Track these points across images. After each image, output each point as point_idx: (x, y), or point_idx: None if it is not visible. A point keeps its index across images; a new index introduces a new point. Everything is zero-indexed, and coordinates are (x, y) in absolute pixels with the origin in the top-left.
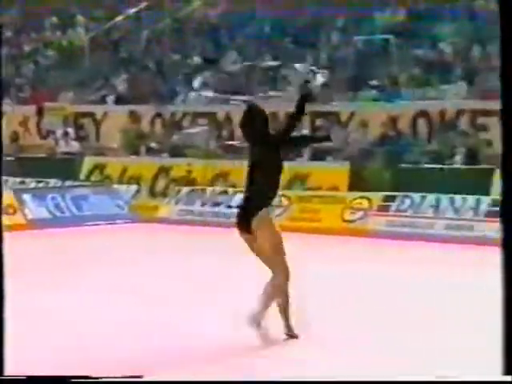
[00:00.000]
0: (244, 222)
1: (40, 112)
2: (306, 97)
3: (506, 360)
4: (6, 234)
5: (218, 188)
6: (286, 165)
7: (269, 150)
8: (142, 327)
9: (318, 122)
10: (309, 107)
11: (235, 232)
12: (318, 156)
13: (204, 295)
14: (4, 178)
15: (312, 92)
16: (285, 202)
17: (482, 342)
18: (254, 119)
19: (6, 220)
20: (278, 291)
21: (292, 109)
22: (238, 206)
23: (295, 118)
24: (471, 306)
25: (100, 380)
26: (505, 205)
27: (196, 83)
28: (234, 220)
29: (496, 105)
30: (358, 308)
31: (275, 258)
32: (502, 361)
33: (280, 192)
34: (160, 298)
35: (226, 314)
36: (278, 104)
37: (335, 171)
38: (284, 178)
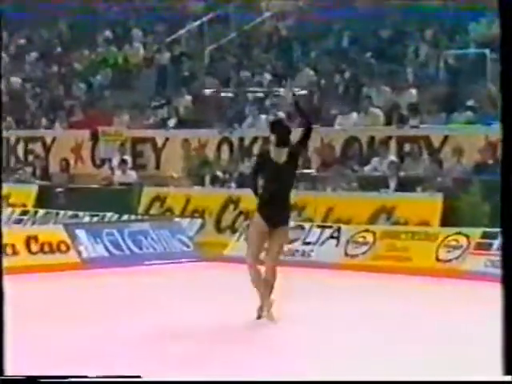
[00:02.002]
0: (285, 219)
1: (94, 137)
2: (297, 104)
3: (506, 360)
4: (58, 274)
5: (293, 222)
6: (370, 196)
7: (295, 157)
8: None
9: (407, 147)
10: (396, 131)
11: (314, 272)
12: (405, 186)
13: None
14: (54, 211)
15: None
16: (369, 238)
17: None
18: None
19: (58, 259)
20: None
21: (376, 132)
22: (276, 202)
23: (306, 129)
24: None
25: (99, 380)
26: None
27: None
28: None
29: None
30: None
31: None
32: (501, 361)
33: (363, 227)
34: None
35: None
36: (360, 127)
37: (426, 203)
38: (367, 212)
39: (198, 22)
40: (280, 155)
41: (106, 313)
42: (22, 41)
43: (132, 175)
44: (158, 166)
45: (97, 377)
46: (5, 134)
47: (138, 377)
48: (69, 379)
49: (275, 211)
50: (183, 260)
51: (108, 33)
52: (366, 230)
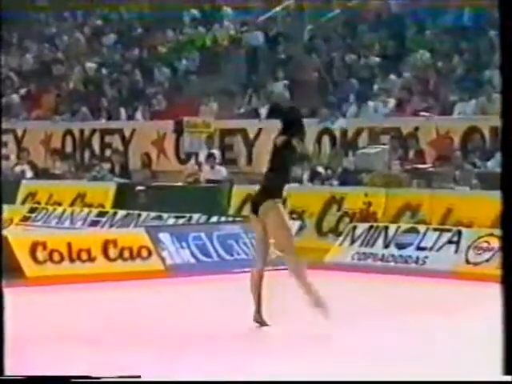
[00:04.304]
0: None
1: (178, 129)
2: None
3: (506, 360)
4: (139, 283)
5: (405, 224)
6: (494, 196)
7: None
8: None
9: None
10: None
11: (429, 282)
12: None
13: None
14: (135, 212)
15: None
16: (494, 243)
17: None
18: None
19: (139, 265)
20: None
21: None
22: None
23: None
24: None
25: (99, 380)
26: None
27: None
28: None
29: None
30: None
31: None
32: (501, 361)
33: (487, 231)
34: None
35: None
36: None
37: None
38: (491, 214)
39: None
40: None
41: (191, 325)
42: (99, 21)
43: (221, 171)
44: (250, 161)
45: (97, 377)
46: (79, 125)
47: (138, 377)
48: (70, 379)
49: None
50: (279, 267)
51: (194, 11)
52: (491, 234)
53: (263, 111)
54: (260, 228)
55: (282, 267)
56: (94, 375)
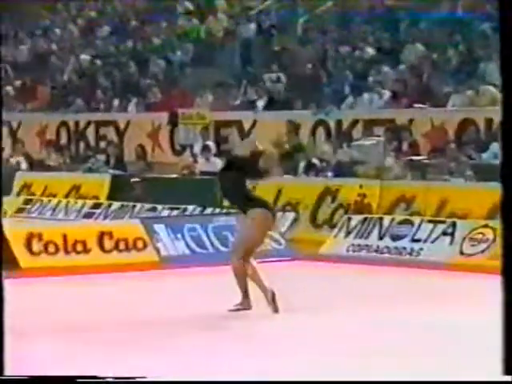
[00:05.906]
0: None
1: (173, 121)
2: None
3: (506, 360)
4: (134, 274)
5: (399, 216)
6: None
7: None
8: None
9: None
10: None
11: (423, 273)
12: None
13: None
14: (130, 203)
15: None
16: (489, 234)
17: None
18: None
19: (134, 257)
20: None
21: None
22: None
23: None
24: None
25: (104, 380)
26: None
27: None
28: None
29: None
30: None
31: None
32: (501, 361)
33: (481, 223)
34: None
35: None
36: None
37: None
38: (486, 205)
39: None
40: None
41: (186, 318)
42: (93, 13)
43: (216, 163)
44: None
45: (103, 377)
46: (74, 117)
47: (144, 377)
48: (75, 379)
49: None
50: (274, 259)
51: (188, 3)
52: (486, 226)
53: (259, 103)
54: None
55: None
56: (99, 375)
